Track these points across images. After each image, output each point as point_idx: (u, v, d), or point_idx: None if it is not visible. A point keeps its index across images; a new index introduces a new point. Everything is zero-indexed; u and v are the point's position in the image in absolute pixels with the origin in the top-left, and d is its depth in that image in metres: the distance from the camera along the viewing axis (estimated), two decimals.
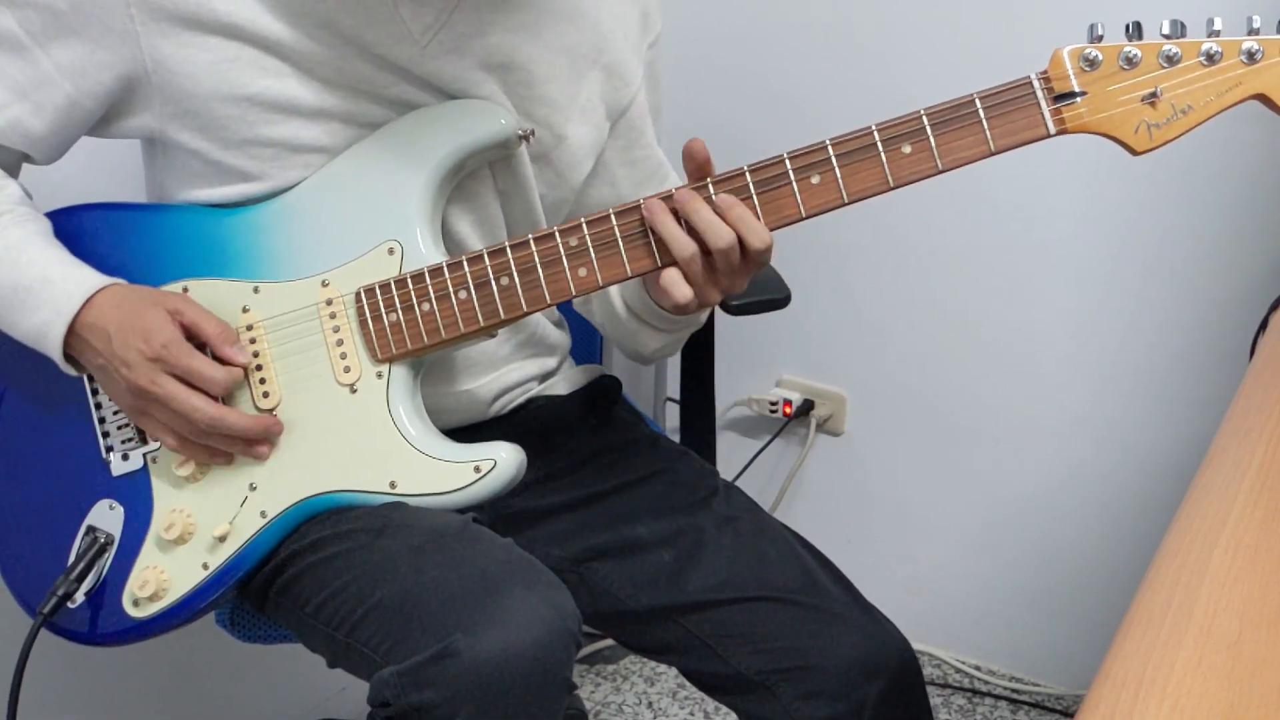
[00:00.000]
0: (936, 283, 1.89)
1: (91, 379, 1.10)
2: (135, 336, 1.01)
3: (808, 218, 0.98)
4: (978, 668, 2.03)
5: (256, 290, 1.07)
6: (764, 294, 1.43)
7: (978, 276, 1.86)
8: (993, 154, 0.95)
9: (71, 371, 1.06)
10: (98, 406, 1.10)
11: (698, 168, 1.00)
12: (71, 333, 1.03)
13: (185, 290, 1.07)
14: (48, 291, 1.03)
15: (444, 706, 0.90)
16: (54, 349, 1.03)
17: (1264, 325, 1.23)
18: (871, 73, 1.83)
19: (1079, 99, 0.93)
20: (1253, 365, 1.00)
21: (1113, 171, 1.71)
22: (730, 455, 2.10)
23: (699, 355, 1.53)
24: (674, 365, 1.86)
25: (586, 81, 1.13)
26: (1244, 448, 0.83)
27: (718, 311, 1.46)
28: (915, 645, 1.11)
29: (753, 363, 2.08)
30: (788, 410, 2.04)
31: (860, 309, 1.97)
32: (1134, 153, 0.94)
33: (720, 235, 0.97)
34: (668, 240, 0.98)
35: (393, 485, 1.04)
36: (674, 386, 2.03)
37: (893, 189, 0.96)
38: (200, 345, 1.04)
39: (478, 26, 1.06)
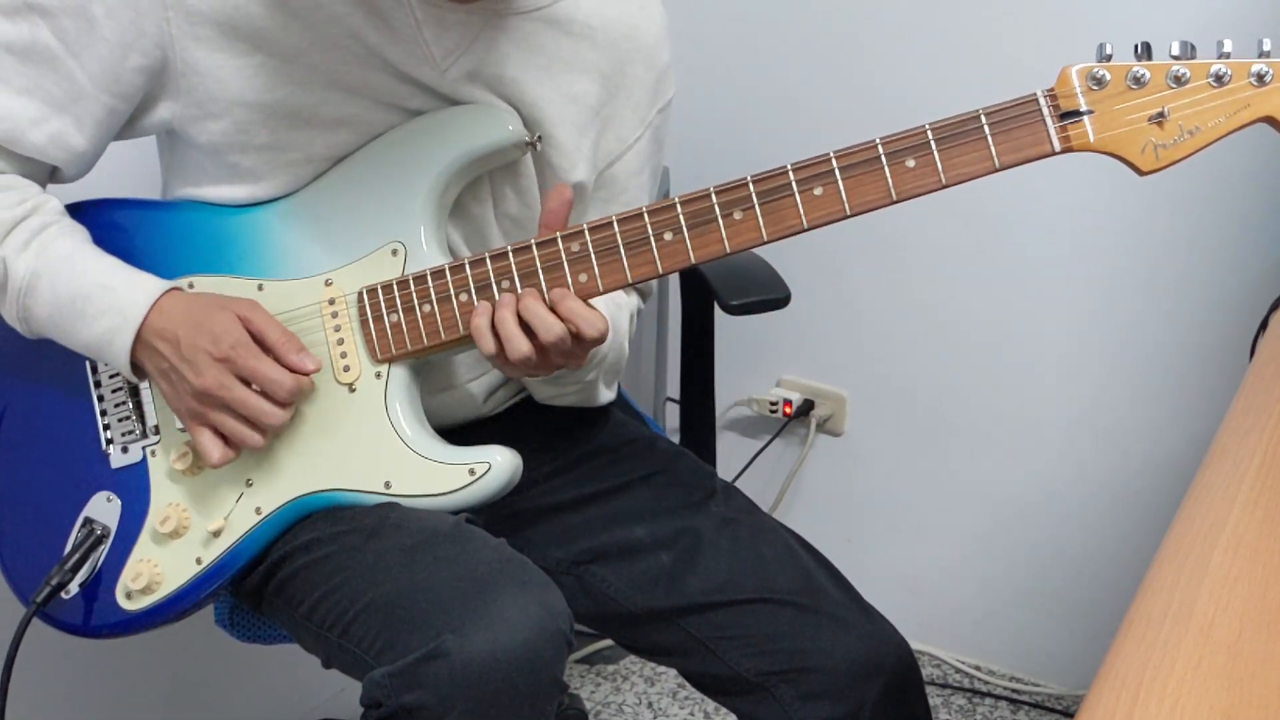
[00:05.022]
0: (937, 283, 1.89)
1: (95, 370, 1.11)
2: (204, 339, 1.00)
3: (810, 229, 0.98)
4: (978, 668, 2.03)
5: (260, 288, 1.08)
6: (764, 294, 1.43)
7: (978, 276, 1.86)
8: (997, 170, 0.95)
9: (132, 378, 1.06)
10: (100, 399, 1.11)
11: (549, 212, 1.01)
12: (138, 339, 1.02)
13: (191, 285, 1.08)
14: (109, 299, 1.02)
15: (434, 707, 0.90)
16: (120, 355, 1.02)
17: (1264, 325, 1.23)
18: (878, 88, 1.83)
19: (1085, 117, 0.93)
20: (1253, 365, 1.00)
21: (1114, 173, 1.70)
22: (730, 455, 2.10)
23: (699, 355, 1.53)
24: (674, 365, 1.86)
25: (588, 132, 1.14)
26: (1244, 448, 0.82)
27: (718, 311, 1.46)
28: (915, 645, 1.11)
29: (753, 363, 2.08)
30: (788, 410, 2.04)
31: (860, 309, 1.97)
32: (1140, 173, 0.94)
33: (552, 332, 0.98)
34: (502, 334, 1.00)
35: (387, 485, 1.04)
36: (674, 386, 2.03)
37: (895, 202, 0.96)
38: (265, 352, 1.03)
39: (496, 58, 1.07)
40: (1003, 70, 1.70)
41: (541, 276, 1.02)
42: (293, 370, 1.02)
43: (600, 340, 1.01)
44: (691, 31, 1.90)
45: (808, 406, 2.04)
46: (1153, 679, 0.59)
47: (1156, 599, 0.66)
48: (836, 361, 2.02)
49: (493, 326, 1.00)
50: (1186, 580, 0.67)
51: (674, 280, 1.92)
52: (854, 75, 1.85)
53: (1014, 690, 1.99)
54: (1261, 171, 1.62)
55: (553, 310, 0.99)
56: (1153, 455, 1.80)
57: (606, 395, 1.23)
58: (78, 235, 1.06)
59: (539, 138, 1.10)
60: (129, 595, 1.08)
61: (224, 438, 1.03)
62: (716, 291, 1.42)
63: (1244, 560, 0.69)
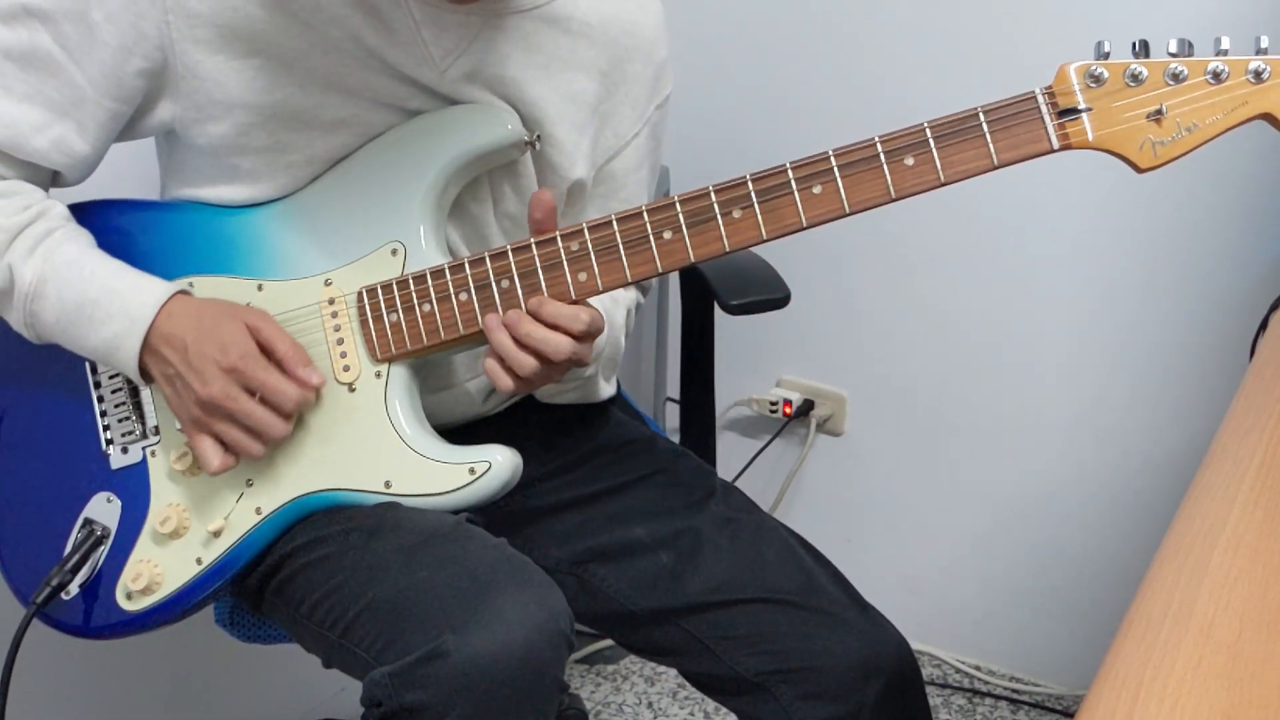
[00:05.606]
0: (937, 283, 1.89)
1: (95, 370, 1.10)
2: (212, 347, 1.00)
3: (809, 227, 0.98)
4: (978, 668, 2.03)
5: (260, 288, 1.08)
6: (764, 294, 1.43)
7: (978, 276, 1.86)
8: (995, 168, 0.95)
9: (139, 382, 1.06)
10: (99, 399, 1.11)
11: (537, 222, 1.01)
12: (145, 343, 1.02)
13: (191, 285, 1.08)
14: (117, 303, 1.02)
15: (435, 707, 0.91)
16: (129, 360, 1.02)
17: (1264, 325, 1.23)
18: (878, 87, 1.83)
19: (1084, 115, 0.93)
20: (1253, 365, 1.00)
21: (1114, 173, 1.70)
22: (730, 455, 2.10)
23: (699, 355, 1.53)
24: (674, 365, 1.86)
25: (587, 129, 1.14)
26: (1244, 448, 0.82)
27: (717, 311, 1.46)
28: (915, 645, 1.11)
29: (753, 363, 2.08)
30: (788, 410, 2.04)
31: (860, 309, 1.97)
32: (1138, 170, 0.94)
33: (558, 348, 0.99)
34: (508, 360, 1.00)
35: (388, 485, 1.04)
36: (674, 386, 2.03)
37: (895, 200, 0.96)
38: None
39: (495, 57, 1.07)
40: (1001, 68, 1.70)
41: (541, 276, 1.02)
42: (298, 383, 1.02)
43: (594, 332, 1.01)
44: (691, 31, 1.90)
45: (808, 406, 2.04)
46: (1153, 679, 0.59)
47: (1156, 599, 0.66)
48: (836, 361, 2.02)
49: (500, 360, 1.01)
50: (1186, 580, 0.67)
51: (674, 280, 1.92)
52: (853, 75, 1.85)
53: (1014, 690, 1.99)
54: (1261, 172, 1.62)
55: (538, 320, 1.00)
56: (1153, 455, 1.80)
57: (606, 390, 1.23)
58: (83, 240, 1.06)
59: (538, 137, 1.10)
60: (129, 596, 1.08)
61: (224, 446, 1.03)
62: (716, 291, 1.42)
63: (1244, 560, 0.69)
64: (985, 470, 1.94)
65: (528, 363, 1.00)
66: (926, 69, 1.78)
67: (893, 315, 1.94)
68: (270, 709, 1.77)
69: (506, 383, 1.01)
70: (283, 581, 1.06)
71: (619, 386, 1.32)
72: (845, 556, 1.21)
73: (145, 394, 1.09)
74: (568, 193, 1.15)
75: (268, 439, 1.02)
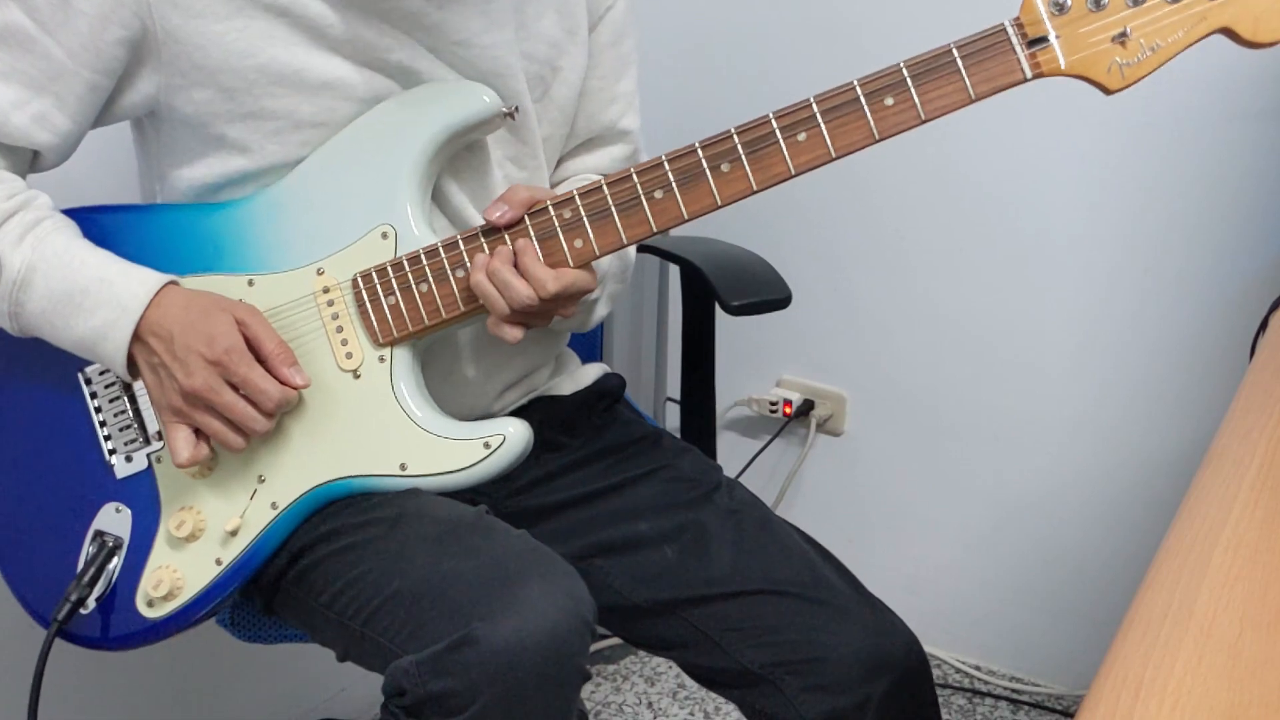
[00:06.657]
0: (937, 283, 1.89)
1: (89, 381, 1.10)
2: (198, 340, 1.00)
3: (798, 174, 0.99)
4: (978, 668, 2.03)
5: (251, 283, 1.07)
6: (764, 294, 1.43)
7: (978, 277, 1.86)
8: (973, 101, 0.97)
9: (125, 375, 1.05)
10: (97, 410, 1.10)
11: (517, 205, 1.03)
12: (135, 333, 1.01)
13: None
14: (107, 292, 1.01)
15: (463, 695, 0.91)
16: (117, 349, 1.02)
17: (1264, 325, 1.23)
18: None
19: (1054, 42, 0.95)
20: (1253, 365, 1.00)
21: (1114, 172, 1.71)
22: (730, 455, 2.10)
23: (699, 355, 1.53)
24: (674, 365, 1.86)
25: (573, 7, 1.15)
26: (1244, 448, 0.83)
27: (718, 311, 1.46)
28: None
29: (753, 363, 2.08)
30: (788, 410, 2.04)
31: (860, 309, 1.97)
32: (1107, 92, 0.96)
33: (516, 296, 1.01)
34: (485, 300, 1.02)
35: (403, 467, 1.04)
36: (674, 386, 2.03)
37: (879, 141, 0.98)
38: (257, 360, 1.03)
39: None
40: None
41: (537, 246, 1.02)
42: (282, 383, 1.02)
43: (570, 295, 1.03)
44: (691, 29, 1.90)
45: (808, 406, 2.04)
46: (1153, 678, 0.60)
47: (1156, 599, 0.66)
48: (836, 361, 2.02)
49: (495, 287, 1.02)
50: (1186, 580, 0.68)
51: (674, 280, 1.92)
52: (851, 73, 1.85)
53: (1014, 690, 1.99)
54: (1262, 172, 1.62)
55: (523, 274, 1.01)
56: (1153, 455, 1.80)
57: (601, 312, 1.22)
58: (70, 230, 1.06)
59: (516, 108, 1.09)
60: (150, 603, 1.07)
61: (201, 437, 1.04)
62: (717, 291, 1.42)
63: (1244, 560, 0.69)
64: (985, 470, 1.94)
65: (498, 302, 1.01)
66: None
67: (893, 315, 1.94)
68: (270, 709, 1.77)
69: (515, 334, 1.03)
70: (303, 571, 1.06)
71: (624, 385, 1.31)
72: (846, 556, 1.21)
73: (143, 399, 1.09)
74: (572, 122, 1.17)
75: (249, 432, 1.02)
